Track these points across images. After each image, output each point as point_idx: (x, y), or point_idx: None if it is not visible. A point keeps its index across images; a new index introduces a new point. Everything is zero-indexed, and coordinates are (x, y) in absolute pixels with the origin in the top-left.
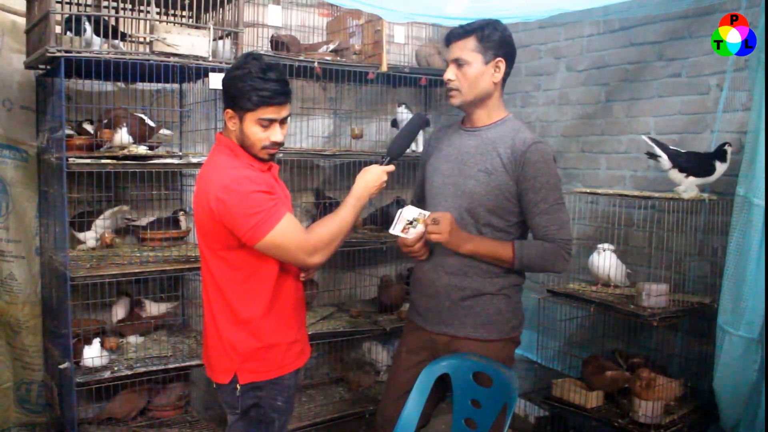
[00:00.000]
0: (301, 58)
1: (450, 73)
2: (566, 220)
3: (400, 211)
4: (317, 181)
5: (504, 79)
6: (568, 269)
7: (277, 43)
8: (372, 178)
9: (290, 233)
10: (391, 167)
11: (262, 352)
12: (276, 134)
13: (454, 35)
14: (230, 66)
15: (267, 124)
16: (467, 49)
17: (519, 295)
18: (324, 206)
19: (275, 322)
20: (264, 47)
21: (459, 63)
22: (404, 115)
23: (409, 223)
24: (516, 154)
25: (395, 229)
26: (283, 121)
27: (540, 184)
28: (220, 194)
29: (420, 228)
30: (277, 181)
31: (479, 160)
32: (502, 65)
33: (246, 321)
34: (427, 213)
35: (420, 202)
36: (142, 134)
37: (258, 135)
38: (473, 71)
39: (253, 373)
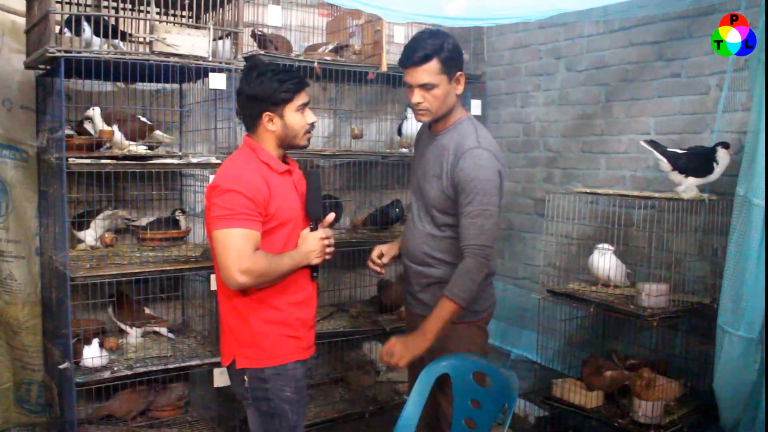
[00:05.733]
0: (301, 58)
1: (418, 97)
2: (488, 228)
3: None
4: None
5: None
6: (493, 269)
7: (263, 42)
8: (312, 243)
9: (238, 243)
10: (322, 231)
11: (257, 339)
12: (310, 116)
13: (414, 61)
14: (246, 79)
15: (302, 108)
16: (432, 72)
17: (483, 283)
18: (325, 206)
19: (269, 314)
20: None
21: (427, 88)
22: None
23: None
24: (455, 159)
25: None
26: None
27: (470, 187)
28: (212, 183)
29: None
30: (296, 186)
31: (433, 165)
32: (462, 78)
33: (239, 307)
34: None
35: None
36: (141, 131)
37: (300, 121)
38: (441, 92)
39: (248, 359)
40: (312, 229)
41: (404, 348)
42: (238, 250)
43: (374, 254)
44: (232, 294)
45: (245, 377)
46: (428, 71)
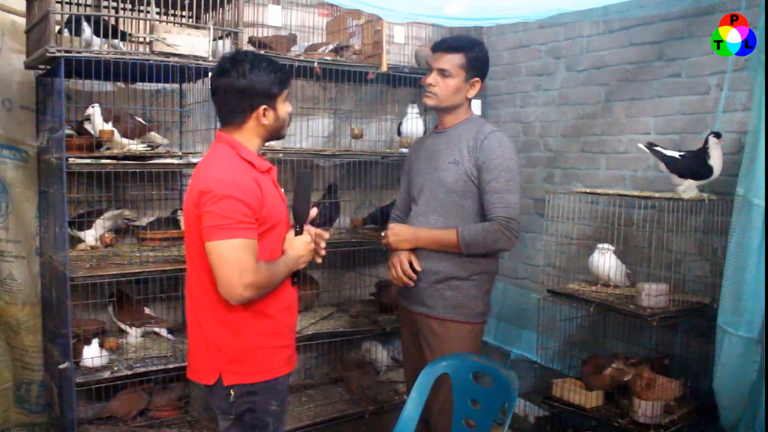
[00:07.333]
0: (301, 58)
1: (432, 79)
2: (513, 201)
3: None
4: (317, 182)
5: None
6: (512, 248)
7: (258, 44)
8: (300, 247)
9: (239, 255)
10: (308, 234)
11: (249, 353)
12: (289, 106)
13: (445, 47)
14: (237, 72)
15: (286, 98)
16: (454, 63)
17: (489, 284)
18: (324, 205)
19: (264, 324)
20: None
21: (444, 74)
22: (415, 115)
23: None
24: (477, 143)
25: None
26: None
27: (493, 165)
28: (202, 188)
29: None
30: (275, 185)
31: (448, 153)
32: (478, 85)
33: (231, 321)
34: None
35: (404, 209)
36: (140, 130)
37: (287, 111)
38: (454, 84)
39: (238, 374)
40: (297, 233)
41: (403, 235)
42: (241, 263)
43: (406, 266)
44: (224, 308)
45: (231, 392)
46: (451, 61)
